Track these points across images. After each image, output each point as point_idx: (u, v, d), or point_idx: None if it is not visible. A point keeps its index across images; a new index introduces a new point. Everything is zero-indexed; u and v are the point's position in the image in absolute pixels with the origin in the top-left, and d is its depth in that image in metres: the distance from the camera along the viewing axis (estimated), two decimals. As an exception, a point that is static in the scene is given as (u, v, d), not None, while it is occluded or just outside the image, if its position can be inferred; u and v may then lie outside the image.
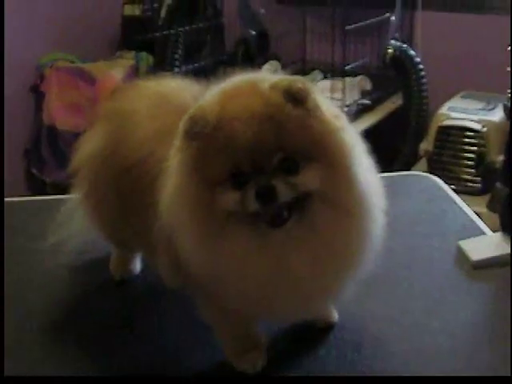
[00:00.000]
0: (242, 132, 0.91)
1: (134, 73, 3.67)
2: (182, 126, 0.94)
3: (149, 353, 1.15)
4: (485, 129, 2.75)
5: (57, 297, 1.32)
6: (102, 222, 1.26)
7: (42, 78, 3.75)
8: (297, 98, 0.92)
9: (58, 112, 3.68)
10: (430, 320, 1.20)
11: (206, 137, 0.93)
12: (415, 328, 1.19)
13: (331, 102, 1.00)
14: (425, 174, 1.86)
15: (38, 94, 3.78)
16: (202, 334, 1.16)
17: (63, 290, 1.35)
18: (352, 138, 0.96)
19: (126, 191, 1.14)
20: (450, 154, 2.83)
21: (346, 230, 0.95)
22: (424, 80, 3.11)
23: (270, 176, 0.92)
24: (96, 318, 1.26)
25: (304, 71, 3.57)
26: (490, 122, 2.76)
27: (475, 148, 2.78)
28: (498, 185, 1.38)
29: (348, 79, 3.14)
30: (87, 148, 1.23)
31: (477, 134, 2.76)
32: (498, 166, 2.75)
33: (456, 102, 2.98)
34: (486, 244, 1.42)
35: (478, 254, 1.39)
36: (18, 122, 3.70)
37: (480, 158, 2.77)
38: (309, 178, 0.93)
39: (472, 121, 2.78)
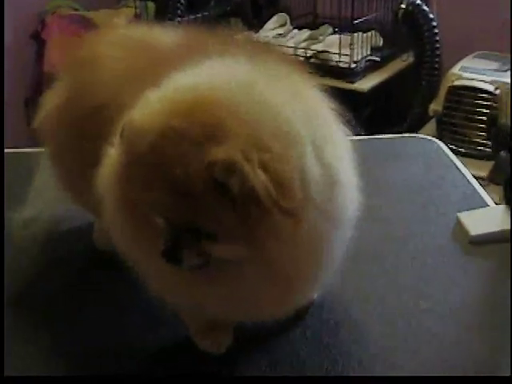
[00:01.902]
0: (158, 186, 0.81)
1: (138, 22, 3.54)
2: (122, 128, 0.84)
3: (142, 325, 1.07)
4: (498, 91, 2.61)
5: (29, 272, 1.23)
6: (72, 184, 1.17)
7: (43, 25, 3.63)
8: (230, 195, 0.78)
9: (58, 60, 3.57)
10: (419, 300, 1.11)
11: (128, 160, 0.84)
12: (401, 309, 1.10)
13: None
14: (428, 137, 1.75)
15: (38, 42, 3.66)
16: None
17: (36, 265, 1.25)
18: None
19: (89, 140, 1.02)
20: (460, 115, 2.70)
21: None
22: (437, 38, 2.96)
23: (180, 236, 0.82)
24: (77, 294, 1.17)
25: (314, 25, 3.42)
26: (503, 83, 2.62)
27: (487, 110, 2.64)
28: (503, 153, 1.27)
29: (357, 34, 3.00)
30: (49, 103, 1.14)
31: (489, 96, 2.62)
32: (509, 129, 2.62)
33: (469, 61, 2.83)
34: (487, 217, 1.32)
35: (477, 228, 1.29)
36: (17, 71, 3.60)
37: (492, 121, 2.64)
38: (227, 251, 0.82)
39: (485, 82, 2.64)
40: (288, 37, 3.30)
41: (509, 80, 2.62)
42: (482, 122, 2.66)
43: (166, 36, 1.07)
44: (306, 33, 3.27)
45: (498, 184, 1.37)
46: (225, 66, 0.88)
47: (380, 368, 0.98)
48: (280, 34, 3.34)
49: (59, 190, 1.20)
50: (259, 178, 0.76)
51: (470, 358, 1.01)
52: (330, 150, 0.86)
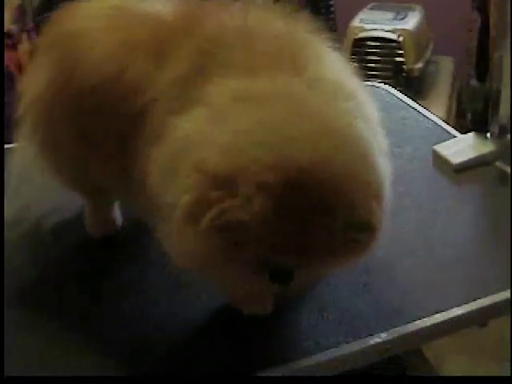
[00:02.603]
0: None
1: None
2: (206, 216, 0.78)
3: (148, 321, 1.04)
4: (400, 38, 2.71)
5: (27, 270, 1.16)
6: (67, 169, 1.12)
7: None
8: None
9: None
10: (428, 231, 1.18)
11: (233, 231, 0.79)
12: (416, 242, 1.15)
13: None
14: (375, 83, 1.80)
15: None
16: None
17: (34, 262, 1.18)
18: None
19: (91, 118, 1.00)
20: (368, 66, 2.78)
21: None
22: None
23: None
24: (80, 286, 1.11)
25: None
26: (404, 30, 2.73)
27: (392, 58, 2.75)
28: (474, 82, 1.34)
29: None
30: (33, 87, 1.08)
31: (394, 44, 2.72)
32: (416, 74, 2.74)
33: (366, 14, 2.92)
34: (461, 146, 1.40)
35: (457, 157, 1.36)
36: None
37: (398, 68, 2.75)
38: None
39: (387, 31, 2.74)
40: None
41: (408, 27, 2.74)
42: (388, 70, 2.76)
43: (154, 4, 1.03)
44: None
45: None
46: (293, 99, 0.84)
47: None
48: None
49: (49, 176, 1.15)
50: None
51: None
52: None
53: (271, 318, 1.00)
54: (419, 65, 2.77)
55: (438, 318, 0.99)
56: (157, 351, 0.97)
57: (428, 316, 0.99)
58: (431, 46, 2.94)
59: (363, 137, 0.83)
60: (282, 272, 0.83)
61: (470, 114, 1.41)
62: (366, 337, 0.96)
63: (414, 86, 2.72)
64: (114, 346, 0.98)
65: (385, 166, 0.85)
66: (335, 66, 0.93)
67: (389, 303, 1.02)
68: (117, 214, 1.22)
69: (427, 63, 2.87)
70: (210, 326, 1.02)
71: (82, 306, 1.06)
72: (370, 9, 2.98)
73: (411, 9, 2.92)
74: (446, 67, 3.05)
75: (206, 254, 0.81)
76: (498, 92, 1.34)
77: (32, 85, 1.08)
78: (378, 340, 0.96)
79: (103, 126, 0.99)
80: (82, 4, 1.08)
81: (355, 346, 0.96)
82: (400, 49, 2.73)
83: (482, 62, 1.32)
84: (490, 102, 1.36)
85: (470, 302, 1.02)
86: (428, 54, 2.89)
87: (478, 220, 1.25)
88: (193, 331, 1.02)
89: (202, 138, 0.81)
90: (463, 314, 1.00)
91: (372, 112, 0.92)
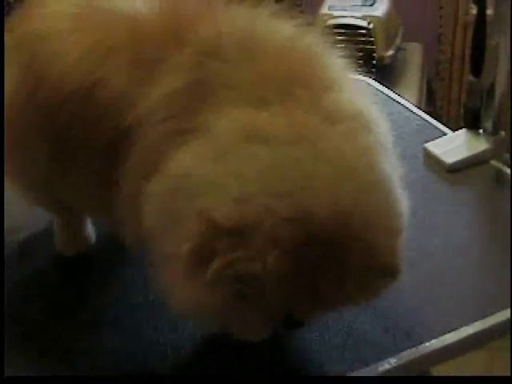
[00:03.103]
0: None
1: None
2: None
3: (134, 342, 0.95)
4: (371, 25, 2.64)
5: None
6: (35, 184, 1.00)
7: None
8: None
9: None
10: (425, 238, 1.10)
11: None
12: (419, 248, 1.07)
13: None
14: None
15: None
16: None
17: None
18: None
19: (63, 133, 0.89)
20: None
21: None
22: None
23: None
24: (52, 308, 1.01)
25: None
26: (374, 17, 2.65)
27: (363, 46, 2.67)
28: (470, 77, 1.27)
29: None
30: None
31: (364, 31, 2.64)
32: (387, 62, 2.67)
33: (333, 0, 2.84)
34: (455, 144, 1.32)
35: (451, 156, 1.29)
36: None
37: (368, 56, 2.67)
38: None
39: (357, 18, 2.66)
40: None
41: (378, 13, 2.66)
42: (359, 57, 2.69)
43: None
44: None
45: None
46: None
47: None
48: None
49: (25, 197, 1.04)
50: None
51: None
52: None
53: (269, 344, 0.92)
54: (390, 52, 2.70)
55: (450, 338, 0.92)
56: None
57: (439, 336, 0.92)
58: (401, 33, 2.87)
59: (385, 177, 0.77)
60: (292, 321, 0.78)
61: (462, 110, 1.33)
62: (373, 364, 0.88)
63: (385, 73, 2.65)
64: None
65: (403, 198, 0.80)
66: (352, 89, 0.84)
67: (395, 323, 0.94)
68: (90, 229, 1.11)
69: (397, 50, 2.80)
70: (202, 352, 0.93)
71: (53, 337, 0.95)
72: (337, -6, 2.90)
73: (379, -6, 2.85)
74: (415, 54, 2.98)
75: (211, 305, 0.74)
76: (492, 85, 1.27)
77: None
78: (387, 366, 0.88)
79: (77, 143, 0.88)
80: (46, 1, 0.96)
81: (362, 374, 0.88)
82: (370, 36, 2.65)
83: (478, 56, 1.24)
84: (483, 96, 1.29)
85: (481, 318, 0.94)
86: (398, 40, 2.82)
87: (477, 224, 1.18)
88: (180, 358, 0.93)
89: (206, 180, 0.73)
90: (476, 333, 0.93)
91: (389, 139, 0.85)
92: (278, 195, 0.70)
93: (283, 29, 0.83)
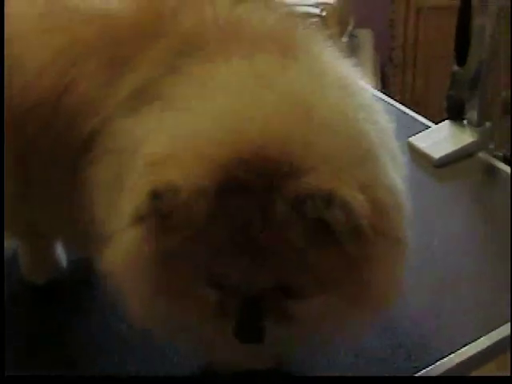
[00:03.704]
0: (234, 252, 0.62)
1: None
2: (144, 192, 0.60)
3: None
4: (324, 12, 2.57)
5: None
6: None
7: None
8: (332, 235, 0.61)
9: None
10: (421, 241, 1.03)
11: (182, 234, 0.61)
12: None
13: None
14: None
15: None
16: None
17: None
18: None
19: (28, 145, 0.80)
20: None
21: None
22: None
23: (258, 303, 0.64)
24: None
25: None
26: (326, 4, 2.59)
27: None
28: (455, 67, 1.21)
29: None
30: None
31: (318, 20, 2.58)
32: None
33: (283, -13, 2.77)
34: (439, 137, 1.26)
35: (437, 150, 1.23)
36: None
37: (322, 44, 2.62)
38: (317, 305, 0.65)
39: (310, 5, 2.59)
40: None
41: (330, 0, 2.61)
42: (312, 46, 2.63)
43: None
44: None
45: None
46: (256, 77, 0.68)
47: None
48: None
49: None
50: (363, 207, 0.59)
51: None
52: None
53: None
54: (342, 39, 2.65)
55: (467, 351, 0.85)
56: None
57: (454, 351, 0.85)
58: (353, 20, 2.82)
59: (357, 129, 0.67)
60: (247, 323, 0.63)
61: (446, 101, 1.27)
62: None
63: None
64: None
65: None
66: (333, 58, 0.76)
67: (407, 339, 0.88)
68: (60, 252, 1.00)
69: (350, 37, 2.75)
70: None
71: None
72: (287, -18, 2.83)
73: (329, -19, 2.79)
74: (367, 41, 2.94)
75: (141, 252, 0.62)
76: (477, 72, 1.21)
77: None
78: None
79: (46, 156, 0.79)
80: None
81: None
82: (324, 23, 2.59)
83: (463, 44, 1.18)
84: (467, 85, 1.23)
85: (495, 328, 0.88)
86: (350, 27, 2.77)
87: (472, 222, 1.12)
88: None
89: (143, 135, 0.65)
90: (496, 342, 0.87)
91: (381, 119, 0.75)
92: (210, 126, 0.63)
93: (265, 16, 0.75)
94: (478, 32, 1.19)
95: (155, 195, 0.58)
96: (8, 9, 0.83)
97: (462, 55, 1.20)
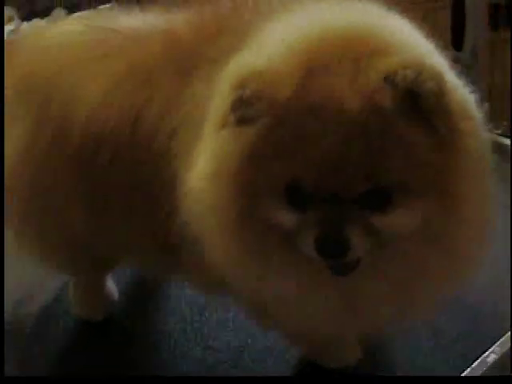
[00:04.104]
0: (321, 135, 0.58)
1: None
2: (229, 91, 0.60)
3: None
4: None
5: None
6: (61, 243, 0.87)
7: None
8: (423, 111, 0.59)
9: None
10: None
11: (264, 124, 0.60)
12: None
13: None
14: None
15: None
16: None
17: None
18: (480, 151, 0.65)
19: (102, 172, 0.78)
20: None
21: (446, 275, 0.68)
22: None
23: (344, 213, 0.60)
24: None
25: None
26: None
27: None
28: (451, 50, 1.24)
29: None
30: (7, 148, 0.81)
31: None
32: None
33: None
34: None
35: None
36: None
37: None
38: (401, 221, 0.61)
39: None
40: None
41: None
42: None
43: (134, 18, 0.82)
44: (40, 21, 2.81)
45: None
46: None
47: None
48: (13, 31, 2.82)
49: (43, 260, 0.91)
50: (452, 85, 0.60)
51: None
52: None
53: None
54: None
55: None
56: None
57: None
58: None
59: None
60: (331, 239, 0.60)
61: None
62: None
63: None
64: None
65: None
66: None
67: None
68: (112, 285, 1.01)
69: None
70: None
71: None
72: None
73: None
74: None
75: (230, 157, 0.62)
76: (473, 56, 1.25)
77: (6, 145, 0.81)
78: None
79: (118, 180, 0.77)
80: (43, 31, 0.87)
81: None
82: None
83: (459, 27, 1.20)
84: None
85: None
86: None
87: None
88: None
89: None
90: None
91: None
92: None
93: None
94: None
95: (242, 84, 0.58)
96: (45, 41, 0.83)
97: (458, 38, 1.22)
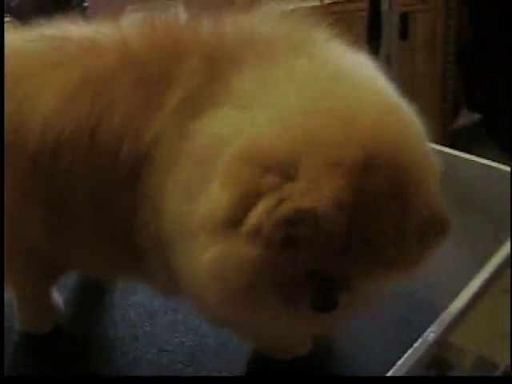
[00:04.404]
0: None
1: None
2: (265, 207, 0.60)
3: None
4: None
5: None
6: (17, 246, 0.87)
7: None
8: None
9: None
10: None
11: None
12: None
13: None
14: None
15: None
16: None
17: None
18: None
19: (59, 183, 0.78)
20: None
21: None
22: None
23: (335, 282, 0.68)
24: None
25: None
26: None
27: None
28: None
29: None
30: None
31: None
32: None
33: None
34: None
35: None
36: None
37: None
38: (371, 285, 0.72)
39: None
40: None
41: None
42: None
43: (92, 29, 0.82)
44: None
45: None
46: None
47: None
48: None
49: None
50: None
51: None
52: None
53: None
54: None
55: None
56: None
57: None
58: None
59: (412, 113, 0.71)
60: (327, 295, 0.68)
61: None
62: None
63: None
64: None
65: None
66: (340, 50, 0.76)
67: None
68: (57, 296, 1.02)
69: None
70: None
71: None
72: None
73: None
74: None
75: (252, 267, 0.64)
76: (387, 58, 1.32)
77: None
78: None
79: (78, 185, 0.78)
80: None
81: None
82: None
83: (374, 38, 1.27)
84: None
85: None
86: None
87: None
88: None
89: (233, 130, 0.65)
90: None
91: None
92: (323, 122, 0.62)
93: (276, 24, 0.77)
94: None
95: (289, 222, 0.59)
96: (10, 47, 0.82)
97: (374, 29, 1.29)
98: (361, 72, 0.71)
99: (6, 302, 1.01)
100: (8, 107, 0.78)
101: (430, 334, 0.92)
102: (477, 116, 2.63)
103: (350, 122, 0.62)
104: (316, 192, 0.59)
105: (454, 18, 2.74)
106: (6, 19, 2.52)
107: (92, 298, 1.08)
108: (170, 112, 0.73)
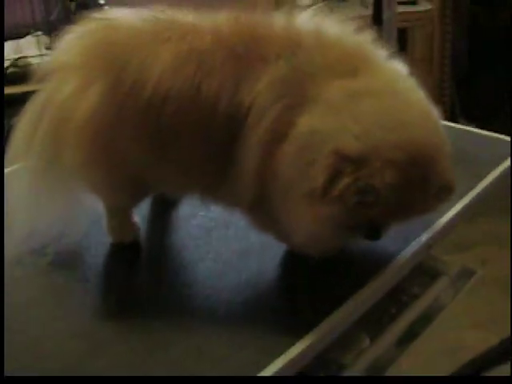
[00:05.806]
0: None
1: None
2: (343, 191, 0.94)
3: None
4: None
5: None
6: (125, 179, 1.13)
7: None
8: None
9: None
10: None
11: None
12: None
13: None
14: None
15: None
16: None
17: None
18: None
19: (168, 122, 1.03)
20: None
21: None
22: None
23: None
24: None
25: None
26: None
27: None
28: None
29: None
30: (81, 109, 1.05)
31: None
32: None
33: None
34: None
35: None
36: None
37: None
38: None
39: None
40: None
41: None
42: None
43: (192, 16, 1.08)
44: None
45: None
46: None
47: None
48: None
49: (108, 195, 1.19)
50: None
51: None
52: None
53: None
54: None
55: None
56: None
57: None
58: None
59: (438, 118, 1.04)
60: (376, 231, 1.02)
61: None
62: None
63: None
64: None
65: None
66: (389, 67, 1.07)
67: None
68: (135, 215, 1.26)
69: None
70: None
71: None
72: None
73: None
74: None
75: (336, 217, 0.96)
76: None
77: (77, 104, 1.06)
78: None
79: (182, 125, 1.03)
80: (113, 15, 1.11)
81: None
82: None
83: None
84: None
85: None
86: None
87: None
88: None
89: (329, 130, 0.95)
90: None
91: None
92: (387, 130, 0.94)
93: (335, 28, 1.05)
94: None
95: (359, 192, 0.92)
96: (115, 21, 1.09)
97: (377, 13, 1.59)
98: (408, 84, 1.04)
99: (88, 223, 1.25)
100: (132, 62, 1.03)
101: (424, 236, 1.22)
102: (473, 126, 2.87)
103: (402, 133, 0.96)
104: (378, 176, 0.93)
105: (450, 32, 3.11)
106: (36, 34, 2.72)
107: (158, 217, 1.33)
108: (263, 88, 0.99)
